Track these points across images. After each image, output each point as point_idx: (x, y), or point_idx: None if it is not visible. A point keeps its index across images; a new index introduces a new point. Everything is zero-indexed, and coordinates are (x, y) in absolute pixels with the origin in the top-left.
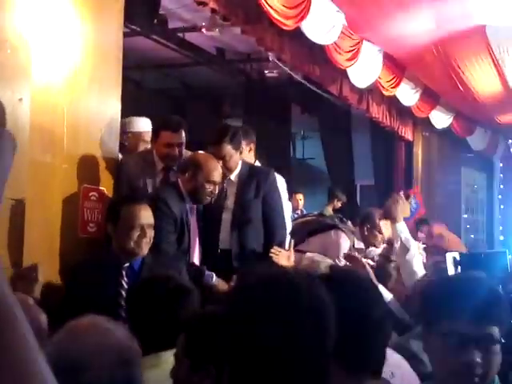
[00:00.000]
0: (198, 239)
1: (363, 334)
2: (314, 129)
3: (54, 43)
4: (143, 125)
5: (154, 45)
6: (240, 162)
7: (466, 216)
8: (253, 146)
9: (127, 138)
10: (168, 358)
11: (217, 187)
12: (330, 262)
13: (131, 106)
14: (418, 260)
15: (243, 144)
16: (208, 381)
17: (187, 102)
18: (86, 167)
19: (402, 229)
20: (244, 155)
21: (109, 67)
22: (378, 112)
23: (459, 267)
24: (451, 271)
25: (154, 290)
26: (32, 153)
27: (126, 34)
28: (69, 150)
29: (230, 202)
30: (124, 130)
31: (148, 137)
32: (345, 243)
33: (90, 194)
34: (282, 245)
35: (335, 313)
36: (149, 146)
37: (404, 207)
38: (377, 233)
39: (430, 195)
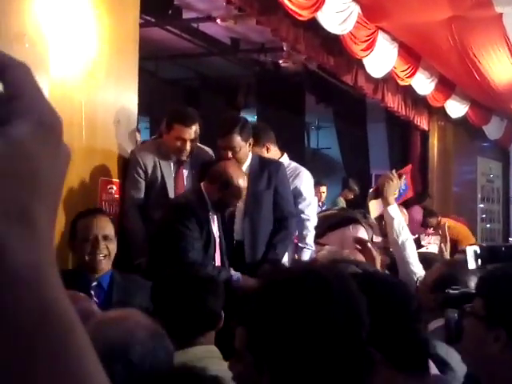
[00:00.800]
0: (219, 245)
1: (407, 328)
2: (329, 119)
3: (71, 36)
4: None
5: (168, 35)
6: (250, 154)
7: (481, 205)
8: (269, 145)
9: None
10: (195, 354)
11: (240, 201)
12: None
13: (146, 96)
14: (412, 250)
15: (258, 146)
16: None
17: (201, 92)
18: (104, 160)
19: (395, 214)
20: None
21: (125, 60)
22: (393, 102)
23: (479, 260)
24: (472, 265)
25: (184, 277)
26: None
27: (140, 25)
28: (87, 142)
29: None
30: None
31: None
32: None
33: (108, 187)
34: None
35: (371, 312)
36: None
37: (395, 186)
38: None
39: (446, 185)
